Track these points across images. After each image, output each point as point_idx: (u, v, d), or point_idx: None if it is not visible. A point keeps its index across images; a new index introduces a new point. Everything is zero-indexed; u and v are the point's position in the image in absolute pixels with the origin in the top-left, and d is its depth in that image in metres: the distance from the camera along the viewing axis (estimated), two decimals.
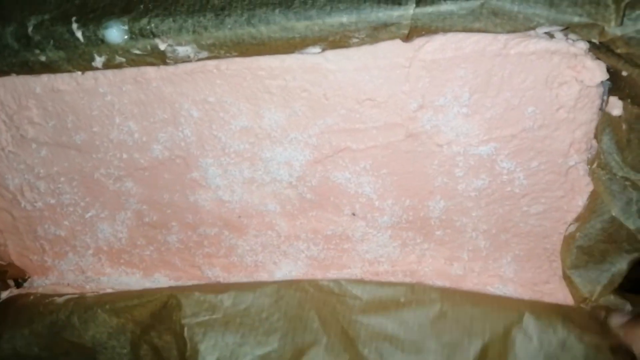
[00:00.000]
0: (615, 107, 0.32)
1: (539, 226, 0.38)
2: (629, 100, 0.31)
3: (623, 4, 0.27)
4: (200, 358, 0.36)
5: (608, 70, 0.31)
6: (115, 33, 0.31)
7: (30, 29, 0.33)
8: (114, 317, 0.38)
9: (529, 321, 0.35)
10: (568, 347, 0.34)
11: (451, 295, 0.37)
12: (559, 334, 0.34)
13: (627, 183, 0.33)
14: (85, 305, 0.40)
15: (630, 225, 0.34)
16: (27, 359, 0.40)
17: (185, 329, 0.37)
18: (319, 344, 0.35)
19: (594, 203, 0.35)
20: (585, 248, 0.35)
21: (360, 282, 0.38)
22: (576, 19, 0.27)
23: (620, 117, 0.32)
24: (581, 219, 0.36)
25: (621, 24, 0.27)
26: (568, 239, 0.37)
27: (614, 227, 0.34)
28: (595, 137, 0.34)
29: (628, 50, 0.28)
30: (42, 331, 0.40)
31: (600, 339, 0.34)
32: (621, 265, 0.35)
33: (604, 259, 0.35)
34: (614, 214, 0.34)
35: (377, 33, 0.29)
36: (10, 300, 0.43)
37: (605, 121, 0.33)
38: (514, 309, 0.36)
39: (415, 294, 0.37)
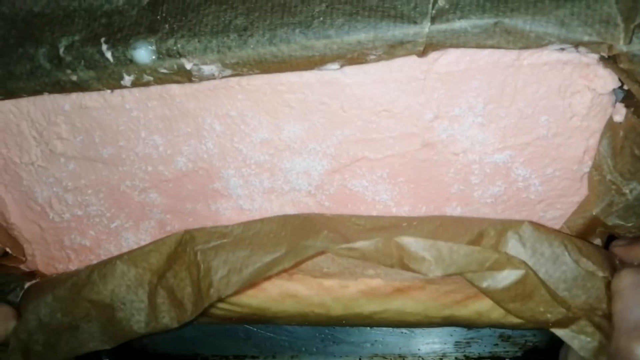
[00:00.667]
0: (619, 113, 0.33)
1: None
2: (632, 109, 0.32)
3: (633, 25, 0.28)
4: (213, 273, 0.37)
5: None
6: (143, 53, 0.33)
7: (61, 50, 0.35)
8: (132, 268, 0.39)
9: (526, 229, 0.34)
10: (560, 263, 0.34)
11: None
12: (554, 248, 0.34)
13: (613, 187, 0.35)
14: (104, 262, 0.40)
15: (608, 222, 0.36)
16: (50, 327, 0.40)
17: (199, 253, 0.38)
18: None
19: (584, 200, 0.37)
20: None
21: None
22: (586, 38, 0.28)
23: (620, 123, 0.33)
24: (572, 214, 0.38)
25: (630, 43, 0.28)
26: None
27: (594, 223, 0.37)
28: (600, 138, 0.35)
29: (630, 67, 0.29)
30: (64, 294, 0.40)
31: (597, 270, 0.34)
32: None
33: None
34: (594, 213, 0.36)
35: (393, 50, 0.30)
36: (35, 283, 0.44)
37: (608, 125, 0.34)
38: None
39: (418, 220, 0.37)
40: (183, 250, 0.39)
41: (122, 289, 0.39)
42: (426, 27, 0.29)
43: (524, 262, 0.33)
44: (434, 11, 0.29)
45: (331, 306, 0.39)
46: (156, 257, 0.39)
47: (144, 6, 0.34)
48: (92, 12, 0.35)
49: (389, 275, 0.38)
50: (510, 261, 0.33)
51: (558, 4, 0.28)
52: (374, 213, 0.41)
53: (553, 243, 0.34)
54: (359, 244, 0.33)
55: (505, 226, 0.34)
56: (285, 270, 0.36)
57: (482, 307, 0.37)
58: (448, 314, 0.38)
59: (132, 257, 0.39)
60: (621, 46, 0.28)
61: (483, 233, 0.34)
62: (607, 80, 0.32)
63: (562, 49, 0.32)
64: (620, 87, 0.33)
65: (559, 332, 0.34)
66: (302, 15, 0.31)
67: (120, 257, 0.40)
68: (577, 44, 0.29)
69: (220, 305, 0.41)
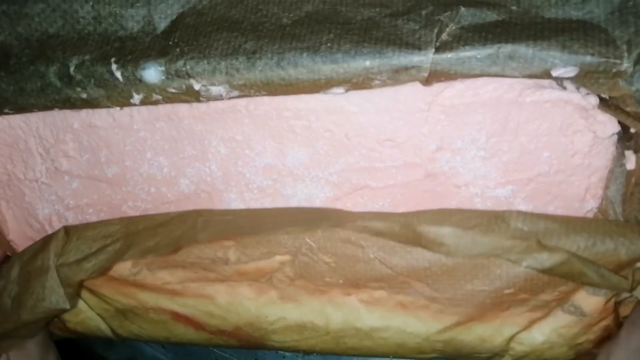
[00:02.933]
0: (630, 161, 0.33)
1: None
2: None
3: (636, 50, 0.28)
4: None
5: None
6: (152, 74, 0.34)
7: (72, 69, 0.36)
8: None
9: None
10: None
11: None
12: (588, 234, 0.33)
13: None
14: None
15: None
16: None
17: None
18: None
19: None
20: None
21: None
22: (588, 59, 0.29)
23: (633, 171, 0.33)
24: None
25: (635, 64, 0.28)
26: None
27: None
28: (607, 183, 0.35)
29: (637, 109, 0.29)
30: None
31: None
32: None
33: None
34: None
35: (398, 76, 0.31)
36: None
37: (618, 172, 0.34)
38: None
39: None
40: None
41: None
42: (430, 54, 0.30)
43: (562, 248, 0.32)
44: (437, 42, 0.30)
45: (331, 315, 0.38)
46: None
47: (158, 34, 0.35)
48: (106, 37, 0.36)
49: (393, 288, 0.37)
50: (544, 246, 0.32)
51: (557, 32, 0.29)
52: None
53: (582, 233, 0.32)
54: (375, 222, 0.33)
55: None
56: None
57: (486, 331, 0.36)
58: (450, 338, 0.37)
59: None
60: (627, 85, 0.29)
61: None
62: (606, 125, 0.33)
63: (564, 88, 0.33)
64: (626, 132, 0.33)
65: None
66: (311, 42, 0.32)
67: None
68: (580, 66, 0.29)
69: (214, 311, 0.40)
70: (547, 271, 0.32)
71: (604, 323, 0.35)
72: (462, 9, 0.31)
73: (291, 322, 0.39)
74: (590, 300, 0.35)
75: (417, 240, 0.33)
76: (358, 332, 0.38)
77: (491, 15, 0.31)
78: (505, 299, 0.35)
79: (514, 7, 0.32)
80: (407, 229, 0.33)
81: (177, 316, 0.40)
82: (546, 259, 0.32)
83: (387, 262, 0.36)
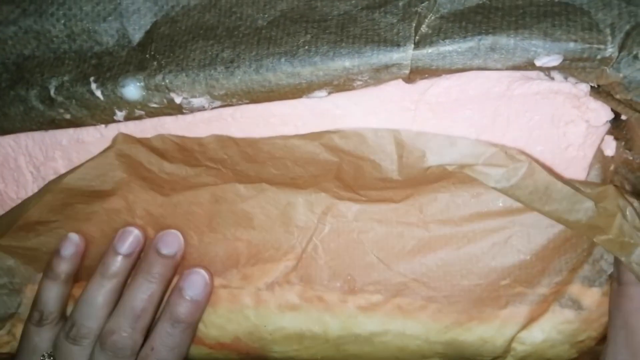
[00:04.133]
0: (609, 147, 0.33)
1: None
2: (622, 143, 0.32)
3: (621, 33, 0.28)
4: None
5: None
6: (132, 90, 0.33)
7: (52, 91, 0.35)
8: None
9: None
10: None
11: None
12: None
13: None
14: None
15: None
16: None
17: None
18: None
19: None
20: None
21: None
22: (572, 45, 0.28)
23: (612, 157, 0.33)
24: None
25: (619, 52, 0.28)
26: None
27: None
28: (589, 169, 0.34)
29: (627, 96, 0.29)
30: None
31: None
32: None
33: None
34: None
35: (379, 75, 0.30)
36: None
37: (597, 157, 0.33)
38: None
39: None
40: None
41: None
42: (410, 50, 0.29)
43: (525, 154, 0.32)
44: (417, 36, 0.29)
45: (329, 323, 0.39)
46: None
47: (134, 47, 0.35)
48: (82, 54, 0.35)
49: (389, 292, 0.37)
50: (509, 154, 0.32)
51: (539, 19, 0.28)
52: None
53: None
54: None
55: None
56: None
57: (487, 332, 0.36)
58: (451, 339, 0.37)
59: None
60: (614, 72, 0.28)
61: None
62: (599, 112, 0.32)
63: (552, 78, 0.32)
64: (617, 119, 0.32)
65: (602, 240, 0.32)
66: (288, 46, 0.31)
67: None
68: (564, 53, 0.28)
69: (215, 321, 0.41)
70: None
71: (604, 319, 0.34)
72: None
73: (290, 331, 0.38)
74: (587, 293, 0.35)
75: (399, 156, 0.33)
76: (357, 338, 0.38)
77: (470, 0, 0.31)
78: (502, 292, 0.35)
79: None
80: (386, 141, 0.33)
81: None
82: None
83: (385, 260, 0.37)
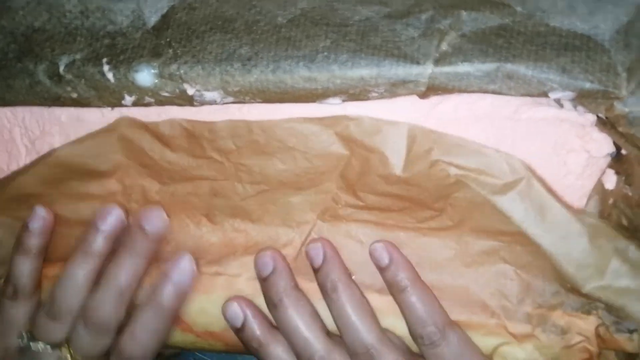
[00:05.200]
0: (609, 180, 0.33)
1: None
2: (623, 178, 0.33)
3: (636, 77, 0.28)
4: None
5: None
6: (145, 76, 0.33)
7: (62, 68, 0.34)
8: None
9: None
10: None
11: None
12: None
13: None
14: None
15: None
16: None
17: None
18: None
19: None
20: None
21: None
22: (587, 85, 0.29)
23: (611, 191, 0.34)
24: None
25: (632, 94, 0.28)
26: None
27: None
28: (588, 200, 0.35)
29: (629, 131, 0.29)
30: None
31: None
32: None
33: None
34: None
35: (395, 89, 0.31)
36: None
37: (597, 189, 0.34)
38: None
39: None
40: None
41: None
42: (429, 68, 0.29)
43: (527, 167, 0.33)
44: (437, 54, 0.30)
45: (322, 316, 0.39)
46: None
47: (149, 30, 0.34)
48: (95, 32, 0.35)
49: (383, 289, 0.38)
50: (511, 164, 0.33)
51: (559, 53, 0.29)
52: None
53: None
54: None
55: None
56: None
57: (473, 338, 0.36)
58: None
59: None
60: (622, 106, 0.29)
61: None
62: (602, 144, 0.32)
63: (561, 106, 0.32)
64: (615, 153, 0.33)
65: None
66: (307, 49, 0.31)
67: None
68: (578, 92, 0.29)
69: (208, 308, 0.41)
70: None
71: (585, 344, 0.35)
72: (464, 13, 0.31)
73: None
74: (569, 319, 0.35)
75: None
76: None
77: (494, 19, 0.31)
78: (489, 302, 0.36)
79: (518, 8, 0.31)
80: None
81: (177, 320, 0.40)
82: None
83: None
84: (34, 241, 0.39)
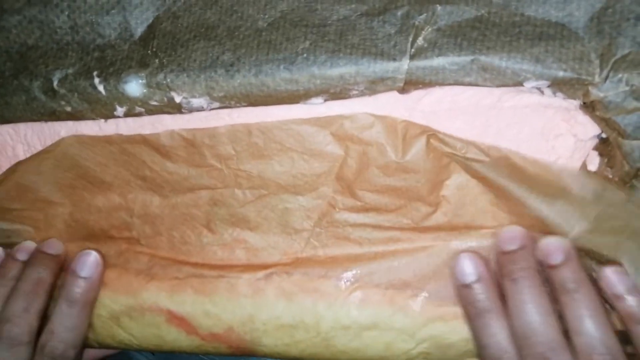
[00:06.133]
0: (593, 162, 0.34)
1: None
2: (605, 160, 0.33)
3: (609, 63, 0.28)
4: None
5: None
6: (134, 87, 0.34)
7: (55, 83, 0.36)
8: None
9: None
10: None
11: None
12: None
13: None
14: None
15: None
16: None
17: None
18: None
19: None
20: None
21: None
22: (561, 74, 0.29)
23: (594, 173, 0.34)
24: None
25: (605, 81, 0.29)
26: None
27: None
28: None
29: (606, 115, 0.30)
30: None
31: None
32: None
33: None
34: None
35: (374, 86, 0.31)
36: None
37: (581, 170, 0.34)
38: None
39: None
40: None
41: None
42: (405, 64, 0.30)
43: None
44: (413, 49, 0.30)
45: (322, 313, 0.39)
46: None
47: (136, 40, 0.35)
48: (85, 46, 0.36)
49: (382, 284, 0.38)
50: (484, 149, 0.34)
51: (533, 43, 0.29)
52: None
53: None
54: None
55: None
56: None
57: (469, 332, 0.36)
58: (436, 334, 0.37)
59: None
60: (597, 92, 0.29)
61: None
62: (587, 127, 0.33)
63: (542, 93, 0.33)
64: (601, 135, 0.33)
65: None
66: (287, 52, 0.32)
67: None
68: (552, 81, 0.29)
69: (210, 310, 0.42)
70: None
71: None
72: (439, 7, 0.31)
73: (284, 321, 0.39)
74: None
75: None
76: (347, 331, 0.39)
77: (469, 12, 0.31)
78: None
79: None
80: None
81: (172, 317, 0.40)
82: None
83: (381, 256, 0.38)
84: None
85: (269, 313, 0.39)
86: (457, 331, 0.36)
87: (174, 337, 0.40)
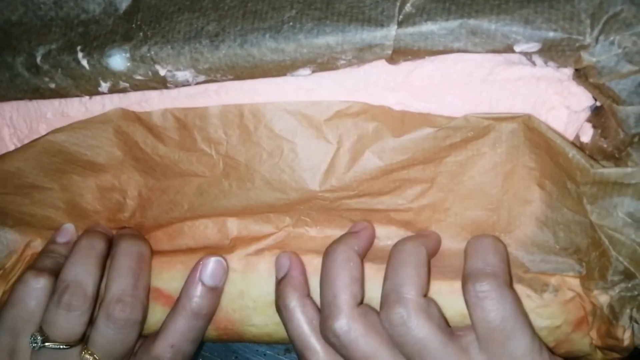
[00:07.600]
0: (586, 134, 0.33)
1: None
2: (599, 131, 0.32)
3: (600, 22, 0.28)
4: None
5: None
6: (118, 61, 0.33)
7: (38, 59, 0.35)
8: None
9: None
10: None
11: None
12: None
13: None
14: None
15: None
16: None
17: None
18: None
19: None
20: None
21: None
22: (551, 34, 0.28)
23: (587, 144, 0.33)
24: None
25: (597, 40, 0.28)
26: None
27: None
28: None
29: (599, 81, 0.29)
30: None
31: None
32: None
33: None
34: None
35: (362, 54, 0.30)
36: None
37: (574, 143, 0.34)
38: None
39: None
40: None
41: None
42: (393, 30, 0.29)
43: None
44: (401, 16, 0.30)
45: (315, 288, 0.39)
46: None
47: (120, 15, 0.35)
48: (69, 22, 0.35)
49: (377, 257, 0.38)
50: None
51: (522, 5, 0.29)
52: None
53: None
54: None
55: None
56: None
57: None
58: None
59: None
60: (589, 56, 0.28)
61: None
62: (580, 97, 0.32)
63: (534, 64, 0.32)
64: (594, 106, 0.33)
65: None
66: (273, 21, 0.31)
67: None
68: (542, 42, 0.29)
69: None
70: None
71: (579, 302, 0.35)
72: None
73: (274, 297, 0.38)
74: (559, 277, 0.35)
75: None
76: None
77: None
78: None
79: None
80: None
81: (159, 295, 0.40)
82: None
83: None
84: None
85: (259, 289, 0.38)
86: (453, 306, 0.36)
87: (159, 318, 0.39)
